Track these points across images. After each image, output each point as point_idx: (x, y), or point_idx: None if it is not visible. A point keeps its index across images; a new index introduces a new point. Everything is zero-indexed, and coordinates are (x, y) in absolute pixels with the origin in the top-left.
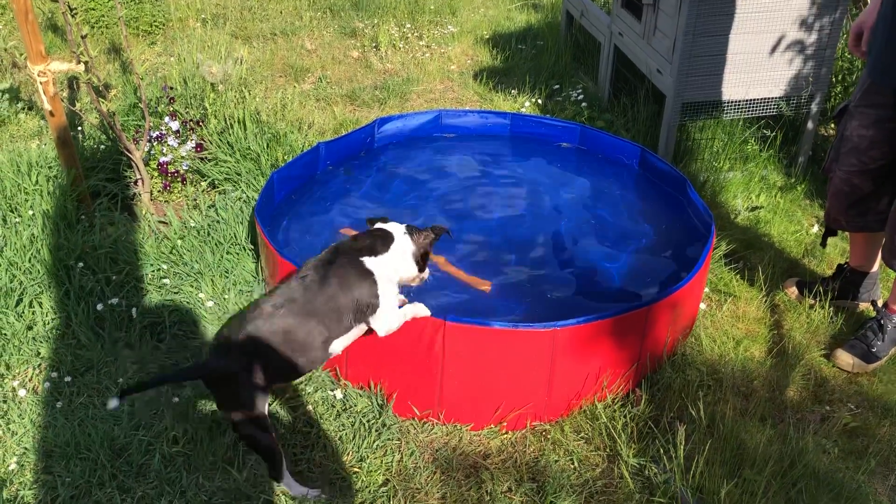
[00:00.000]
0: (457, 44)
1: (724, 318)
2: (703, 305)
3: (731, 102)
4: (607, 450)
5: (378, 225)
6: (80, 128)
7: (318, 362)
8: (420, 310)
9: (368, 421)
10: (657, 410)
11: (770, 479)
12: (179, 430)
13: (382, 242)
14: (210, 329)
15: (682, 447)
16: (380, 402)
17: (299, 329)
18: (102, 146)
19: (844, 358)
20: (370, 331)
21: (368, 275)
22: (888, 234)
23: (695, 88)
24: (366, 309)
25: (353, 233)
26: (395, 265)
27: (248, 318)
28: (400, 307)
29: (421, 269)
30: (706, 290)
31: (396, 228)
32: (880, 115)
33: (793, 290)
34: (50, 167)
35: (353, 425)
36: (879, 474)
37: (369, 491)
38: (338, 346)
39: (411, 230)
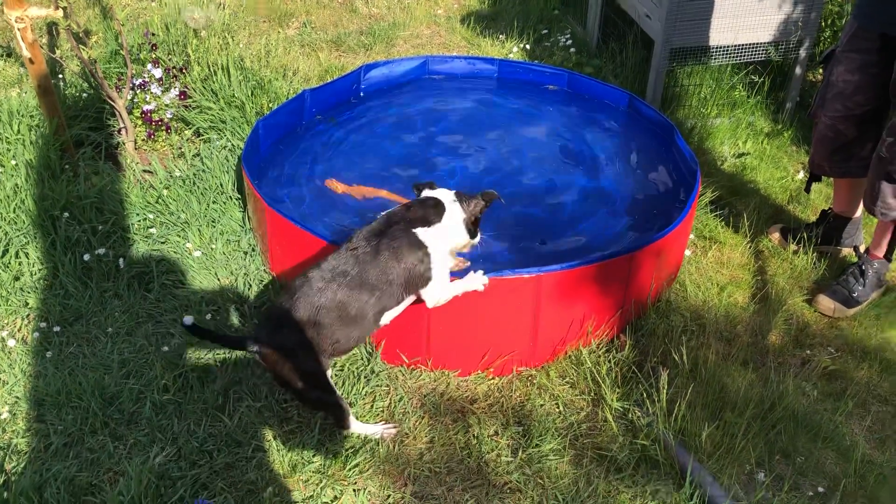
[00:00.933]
0: None
1: (708, 264)
2: (688, 252)
3: (720, 48)
4: (592, 394)
5: (426, 192)
6: (61, 75)
7: (368, 334)
8: (473, 283)
9: (357, 368)
10: (641, 355)
11: (750, 421)
12: (170, 378)
13: (435, 212)
14: (198, 279)
15: (664, 391)
16: (369, 349)
17: (353, 302)
18: (84, 94)
19: (826, 303)
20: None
21: (422, 247)
22: (870, 179)
23: (683, 34)
24: (418, 281)
25: (339, 184)
26: (448, 235)
27: (298, 290)
28: (458, 273)
29: (472, 236)
30: (691, 236)
31: (446, 196)
32: (865, 61)
33: (777, 237)
34: (31, 116)
35: (342, 372)
36: (856, 415)
37: (359, 437)
38: (388, 317)
39: (461, 197)
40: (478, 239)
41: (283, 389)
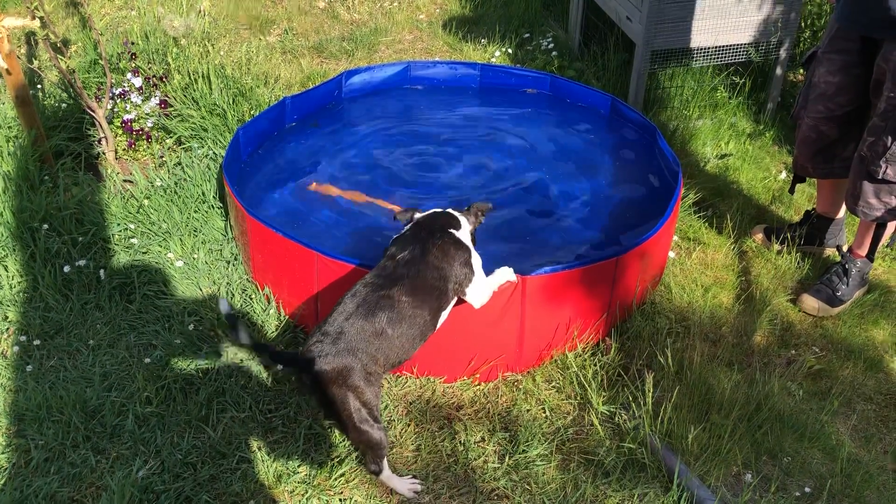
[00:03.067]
0: None
1: (692, 265)
2: (672, 254)
3: (701, 50)
4: (578, 398)
5: (420, 213)
6: (39, 86)
7: (425, 338)
8: (506, 275)
9: None
10: (627, 358)
11: (736, 422)
12: (152, 390)
13: (456, 221)
14: (180, 289)
15: (650, 394)
16: None
17: (416, 304)
18: (64, 104)
19: (810, 302)
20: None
21: (463, 245)
22: (851, 179)
23: (664, 36)
24: (464, 280)
25: (322, 188)
26: (468, 241)
27: (353, 302)
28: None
29: (474, 245)
30: (675, 238)
31: (450, 210)
32: (847, 62)
33: (760, 237)
34: (10, 127)
35: None
36: (842, 414)
37: (344, 446)
38: (442, 318)
39: (464, 211)
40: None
41: (329, 415)
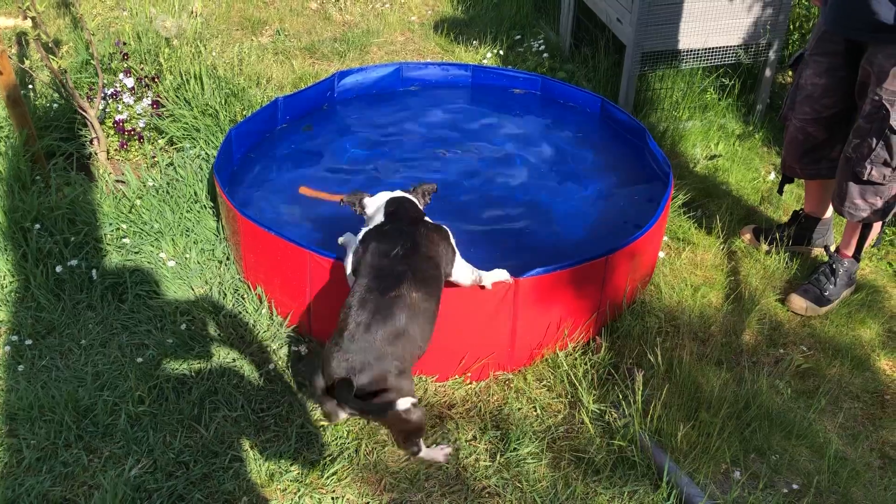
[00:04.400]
0: None
1: (682, 265)
2: (662, 254)
3: (690, 51)
4: (569, 396)
5: (382, 196)
6: (31, 86)
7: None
8: (501, 275)
9: None
10: (617, 357)
11: (725, 420)
12: (144, 390)
13: (415, 204)
14: (172, 289)
15: (640, 392)
16: None
17: (426, 296)
18: (55, 105)
19: (798, 302)
20: None
21: (442, 229)
22: (838, 180)
23: (654, 38)
24: (449, 262)
25: (312, 191)
26: None
27: (365, 313)
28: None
29: None
30: (665, 238)
31: (401, 193)
32: (833, 64)
33: (749, 237)
34: (1, 127)
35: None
36: (829, 412)
37: (336, 444)
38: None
39: (414, 193)
40: None
41: (402, 438)
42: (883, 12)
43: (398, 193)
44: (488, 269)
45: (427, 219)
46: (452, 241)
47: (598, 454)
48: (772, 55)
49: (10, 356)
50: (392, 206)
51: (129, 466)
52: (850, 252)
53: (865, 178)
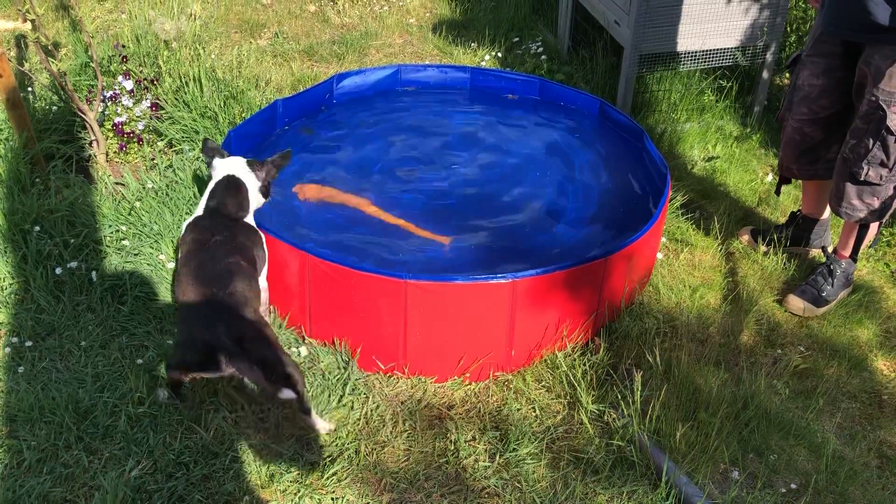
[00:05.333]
0: None
1: (680, 266)
2: (660, 255)
3: (688, 53)
4: (568, 397)
5: (223, 169)
6: (30, 88)
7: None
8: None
9: (334, 376)
10: (615, 358)
11: (723, 420)
12: (144, 391)
13: (242, 194)
14: (171, 291)
15: (639, 393)
16: (345, 358)
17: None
18: (55, 107)
19: (796, 303)
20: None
21: (253, 230)
22: (835, 181)
23: (652, 40)
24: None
25: (307, 190)
26: (253, 205)
27: (197, 290)
28: None
29: (266, 197)
30: (663, 239)
31: (241, 169)
32: (830, 65)
33: (747, 238)
34: (0, 130)
35: (318, 381)
36: (827, 412)
37: (336, 445)
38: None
39: (252, 165)
40: (269, 197)
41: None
42: (879, 13)
43: (234, 167)
44: (488, 269)
45: (247, 217)
46: (263, 242)
47: (597, 454)
48: (769, 57)
49: (11, 358)
50: (215, 203)
51: (130, 467)
52: (847, 253)
53: (862, 179)
